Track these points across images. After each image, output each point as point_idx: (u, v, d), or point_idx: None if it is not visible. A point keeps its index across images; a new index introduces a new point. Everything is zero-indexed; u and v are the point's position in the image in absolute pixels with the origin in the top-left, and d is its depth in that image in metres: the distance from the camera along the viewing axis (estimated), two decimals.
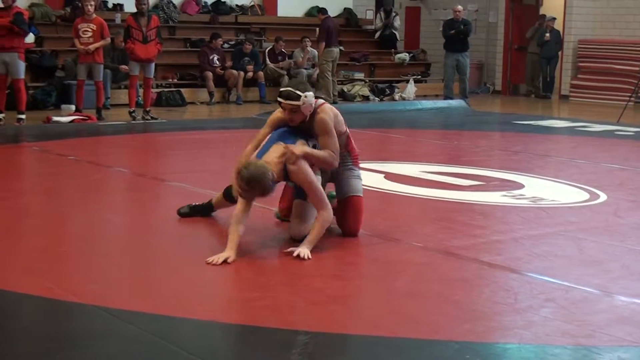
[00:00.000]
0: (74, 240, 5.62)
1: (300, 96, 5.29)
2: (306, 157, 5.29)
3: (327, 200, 5.31)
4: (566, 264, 5.14)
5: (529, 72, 18.92)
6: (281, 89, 5.41)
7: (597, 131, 12.38)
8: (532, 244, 5.55)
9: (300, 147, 5.29)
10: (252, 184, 5.03)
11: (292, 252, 5.07)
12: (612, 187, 7.66)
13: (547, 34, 18.04)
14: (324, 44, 15.51)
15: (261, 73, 15.95)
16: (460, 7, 16.68)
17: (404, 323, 4.03)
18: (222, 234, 5.73)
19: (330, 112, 5.46)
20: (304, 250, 5.06)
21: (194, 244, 5.48)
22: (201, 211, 6.09)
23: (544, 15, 18.63)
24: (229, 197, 5.89)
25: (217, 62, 15.51)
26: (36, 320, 4.08)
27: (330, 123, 5.40)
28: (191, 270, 4.85)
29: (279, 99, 5.38)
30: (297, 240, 5.29)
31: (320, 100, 5.55)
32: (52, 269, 4.80)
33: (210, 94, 15.35)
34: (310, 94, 5.36)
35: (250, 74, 15.59)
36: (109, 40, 12.61)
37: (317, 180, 5.36)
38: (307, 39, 16.53)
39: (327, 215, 5.26)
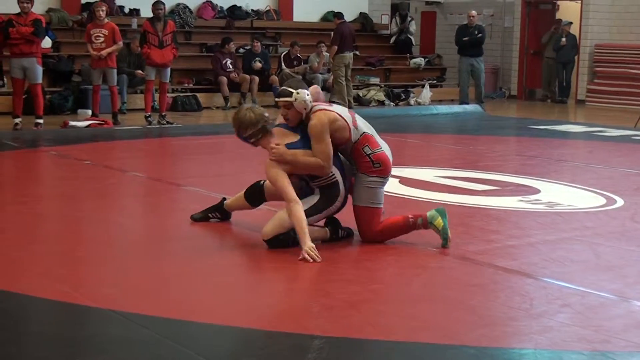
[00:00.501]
0: (91, 245, 5.64)
1: (292, 92, 5.30)
2: (289, 161, 5.30)
3: (293, 195, 5.25)
4: (582, 269, 5.12)
5: (546, 77, 18.87)
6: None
7: (614, 136, 12.33)
8: (548, 249, 5.53)
9: (288, 151, 5.32)
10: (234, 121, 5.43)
11: (303, 259, 5.06)
12: (629, 192, 7.63)
13: (564, 39, 17.99)
14: (335, 48, 15.50)
15: (274, 77, 15.97)
16: (474, 12, 16.64)
17: (420, 328, 4.03)
18: (238, 237, 5.75)
19: (324, 118, 5.35)
20: (302, 253, 5.06)
21: (209, 248, 5.49)
22: (217, 212, 6.08)
23: (560, 20, 18.58)
24: (250, 199, 5.88)
25: (230, 67, 15.53)
26: (52, 324, 4.10)
27: (320, 129, 5.31)
28: (207, 275, 4.86)
29: (275, 98, 5.41)
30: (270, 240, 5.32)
31: (320, 106, 5.47)
32: (68, 273, 4.82)
33: (225, 99, 15.38)
34: (304, 91, 5.33)
35: (258, 66, 15.57)
36: (121, 45, 12.66)
37: (281, 175, 5.31)
38: (323, 44, 16.55)
39: (294, 208, 5.20)
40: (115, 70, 12.50)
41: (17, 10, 11.48)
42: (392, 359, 3.67)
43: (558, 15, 19.41)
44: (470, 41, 16.15)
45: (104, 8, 12.54)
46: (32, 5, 11.52)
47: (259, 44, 16.06)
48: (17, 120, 11.57)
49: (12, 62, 11.43)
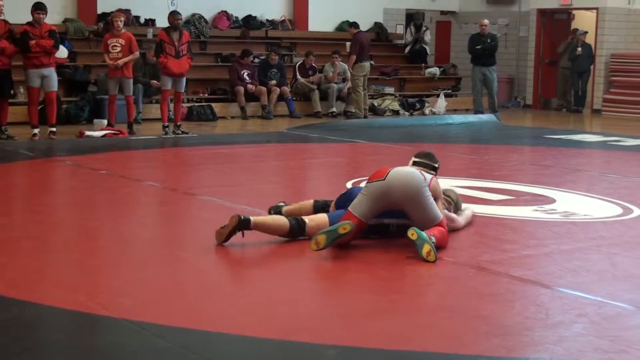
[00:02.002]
0: (106, 254, 5.66)
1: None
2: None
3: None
4: (599, 279, 5.10)
5: (561, 87, 18.83)
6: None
7: (630, 145, 12.28)
8: (564, 258, 5.51)
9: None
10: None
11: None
12: None
13: (579, 48, 17.94)
14: (354, 57, 15.52)
15: (285, 88, 15.97)
16: (486, 21, 16.63)
17: (434, 338, 4.02)
18: (253, 247, 5.75)
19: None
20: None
21: (224, 258, 5.50)
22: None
23: (576, 29, 18.54)
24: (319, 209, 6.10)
25: (248, 78, 15.57)
26: (68, 334, 4.11)
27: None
28: (222, 284, 4.87)
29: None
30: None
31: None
32: (84, 283, 4.84)
33: (242, 109, 15.41)
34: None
35: (275, 89, 15.63)
36: (137, 54, 12.72)
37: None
38: (336, 55, 16.57)
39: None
40: (131, 80, 12.56)
41: (20, 19, 11.56)
42: None
43: (573, 25, 19.38)
44: (482, 50, 16.14)
45: (122, 18, 12.63)
46: (46, 16, 11.61)
47: (276, 56, 16.07)
48: (36, 130, 11.64)
49: (31, 73, 11.50)
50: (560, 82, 18.80)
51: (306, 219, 5.80)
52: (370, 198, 5.58)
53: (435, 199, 5.72)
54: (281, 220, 5.80)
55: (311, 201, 6.29)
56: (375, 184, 5.61)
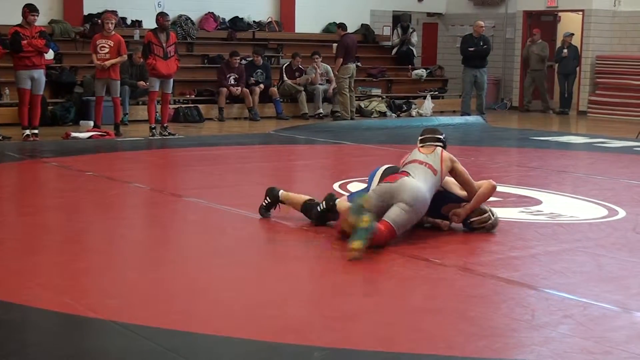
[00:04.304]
0: (93, 256, 5.64)
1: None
2: None
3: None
4: (584, 280, 5.12)
5: (527, 89, 18.91)
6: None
7: (616, 147, 12.33)
8: (550, 260, 5.53)
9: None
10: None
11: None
12: (631, 203, 7.63)
13: (565, 50, 18.02)
14: (341, 60, 15.53)
15: (274, 89, 15.99)
16: (481, 23, 16.63)
17: (421, 339, 4.03)
18: (240, 249, 5.75)
19: None
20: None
21: (211, 259, 5.49)
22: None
23: (535, 34, 18.66)
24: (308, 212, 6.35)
25: (233, 81, 15.53)
26: (54, 336, 4.10)
27: None
28: (209, 286, 4.86)
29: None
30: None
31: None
32: (70, 285, 4.83)
33: (220, 110, 15.39)
34: None
35: (256, 90, 15.64)
36: (125, 57, 12.70)
37: None
38: (317, 56, 16.59)
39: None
40: (118, 82, 12.53)
41: (10, 21, 11.52)
42: None
43: (560, 27, 19.45)
44: (476, 52, 16.15)
45: (113, 20, 12.62)
46: (38, 17, 11.60)
47: (259, 57, 16.08)
48: (27, 131, 11.59)
49: (21, 74, 11.46)
50: (529, 84, 18.86)
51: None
52: (376, 195, 5.88)
53: (454, 168, 6.15)
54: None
55: (305, 197, 6.46)
56: (385, 184, 5.93)
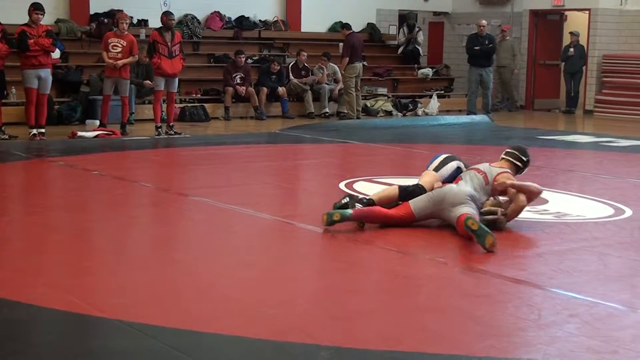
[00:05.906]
0: (99, 255, 5.65)
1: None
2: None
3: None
4: (591, 279, 5.11)
5: (500, 86, 18.85)
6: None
7: (622, 146, 12.31)
8: (556, 259, 5.52)
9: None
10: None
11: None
12: (638, 202, 7.61)
13: (571, 49, 17.98)
14: (347, 60, 15.52)
15: (282, 89, 16.00)
16: (484, 22, 16.65)
17: (427, 338, 4.02)
18: (245, 248, 5.75)
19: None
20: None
21: (218, 259, 5.49)
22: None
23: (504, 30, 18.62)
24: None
25: (239, 81, 15.53)
26: (61, 335, 4.11)
27: None
28: (215, 285, 4.86)
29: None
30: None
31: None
32: (76, 284, 4.83)
33: (226, 109, 15.40)
34: None
35: (263, 90, 15.65)
36: (137, 57, 12.70)
37: None
38: (324, 58, 16.59)
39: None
40: (128, 82, 12.52)
41: (13, 20, 11.53)
42: None
43: (566, 26, 19.41)
44: (481, 51, 16.13)
45: (128, 20, 12.64)
46: (43, 16, 11.62)
47: (278, 65, 16.08)
48: (34, 131, 11.62)
49: (28, 73, 11.47)
50: (499, 83, 18.81)
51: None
52: (429, 198, 6.25)
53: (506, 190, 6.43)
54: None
55: (396, 188, 6.60)
56: (438, 190, 6.29)
